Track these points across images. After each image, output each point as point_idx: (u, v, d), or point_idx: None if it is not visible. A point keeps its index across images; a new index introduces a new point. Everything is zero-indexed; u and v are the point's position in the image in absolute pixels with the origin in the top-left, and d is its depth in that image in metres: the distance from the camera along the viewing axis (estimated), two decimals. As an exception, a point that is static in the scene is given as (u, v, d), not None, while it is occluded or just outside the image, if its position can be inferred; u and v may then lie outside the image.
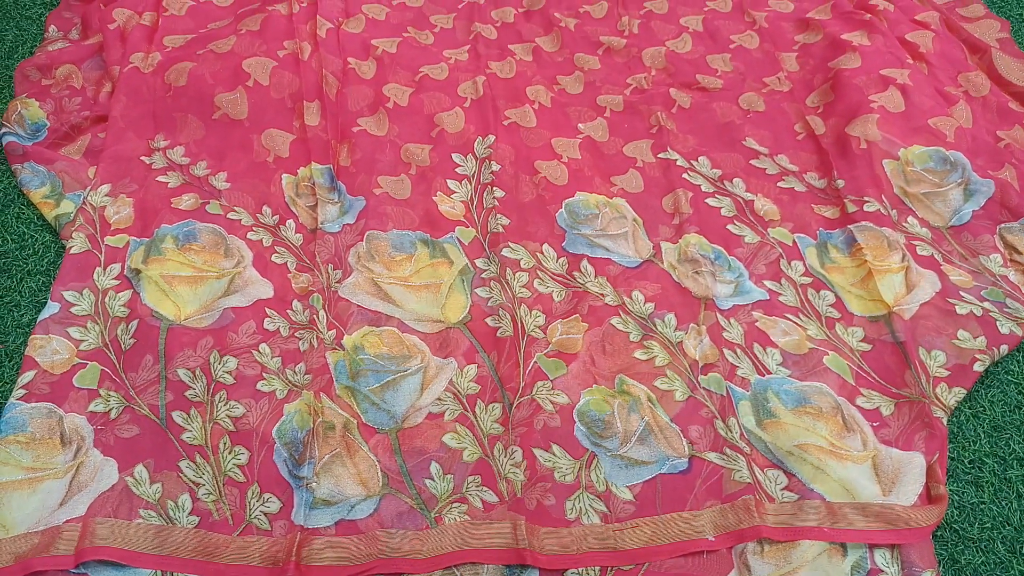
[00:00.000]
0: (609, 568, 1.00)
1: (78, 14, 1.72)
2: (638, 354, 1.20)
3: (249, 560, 1.00)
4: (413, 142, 1.49)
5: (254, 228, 1.34)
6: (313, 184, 1.39)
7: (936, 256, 1.32)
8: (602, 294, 1.27)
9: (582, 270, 1.30)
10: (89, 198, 1.35)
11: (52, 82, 1.56)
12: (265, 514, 1.03)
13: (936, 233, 1.36)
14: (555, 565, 1.00)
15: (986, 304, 1.24)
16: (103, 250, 1.29)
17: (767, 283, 1.29)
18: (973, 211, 1.38)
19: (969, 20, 1.75)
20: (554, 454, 1.09)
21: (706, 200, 1.41)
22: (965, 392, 1.16)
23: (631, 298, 1.27)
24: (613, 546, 1.01)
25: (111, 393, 1.13)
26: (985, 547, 1.05)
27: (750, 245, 1.34)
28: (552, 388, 1.16)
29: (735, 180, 1.44)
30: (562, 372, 1.18)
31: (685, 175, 1.44)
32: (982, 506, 1.08)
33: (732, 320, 1.24)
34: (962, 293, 1.26)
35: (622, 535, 1.02)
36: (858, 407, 1.15)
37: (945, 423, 1.13)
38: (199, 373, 1.15)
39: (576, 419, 1.13)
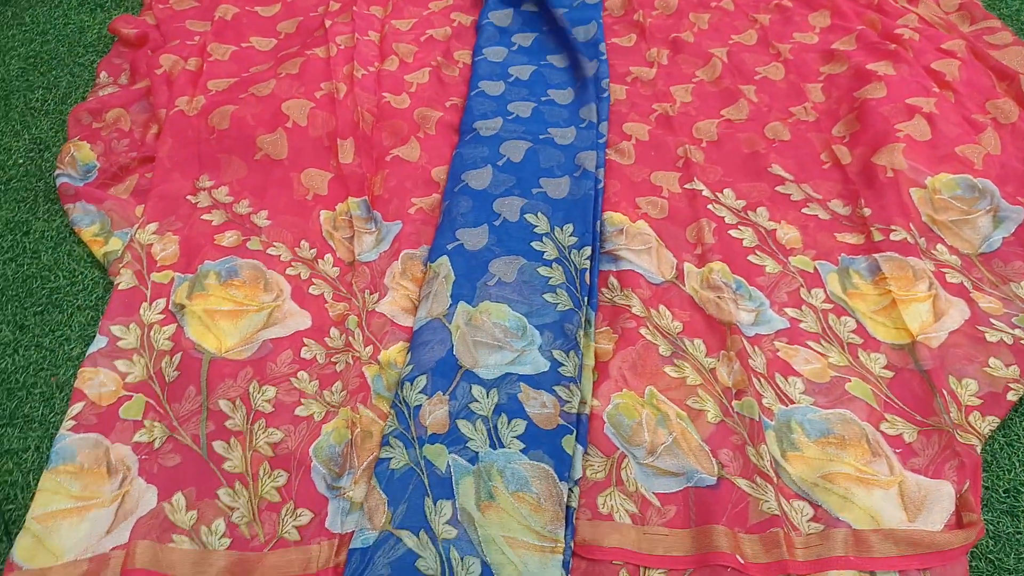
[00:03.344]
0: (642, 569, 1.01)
1: (127, 60, 1.80)
2: (669, 370, 1.21)
3: (287, 571, 1.02)
4: (443, 165, 1.53)
5: (292, 263, 1.38)
6: (351, 217, 1.44)
7: (966, 283, 1.31)
8: (629, 305, 1.28)
9: (609, 286, 1.32)
10: (136, 236, 1.41)
11: (102, 125, 1.63)
12: (296, 527, 1.06)
13: (966, 260, 1.35)
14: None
15: (1017, 331, 1.23)
16: (149, 286, 1.34)
17: (788, 311, 1.30)
18: (1003, 238, 1.37)
19: (997, 47, 1.75)
20: (587, 452, 1.11)
21: (729, 231, 1.41)
22: (999, 420, 1.15)
23: (658, 311, 1.28)
24: (648, 549, 1.02)
25: (155, 424, 1.17)
26: (1021, 578, 1.04)
27: (771, 275, 1.35)
28: None
29: (759, 209, 1.45)
30: (593, 379, 1.20)
31: (710, 206, 1.45)
32: (1018, 536, 1.07)
33: (756, 348, 1.24)
34: (992, 320, 1.25)
35: (655, 539, 1.03)
36: (882, 432, 1.14)
37: (979, 451, 1.12)
38: (239, 403, 1.18)
39: (606, 420, 1.15)
